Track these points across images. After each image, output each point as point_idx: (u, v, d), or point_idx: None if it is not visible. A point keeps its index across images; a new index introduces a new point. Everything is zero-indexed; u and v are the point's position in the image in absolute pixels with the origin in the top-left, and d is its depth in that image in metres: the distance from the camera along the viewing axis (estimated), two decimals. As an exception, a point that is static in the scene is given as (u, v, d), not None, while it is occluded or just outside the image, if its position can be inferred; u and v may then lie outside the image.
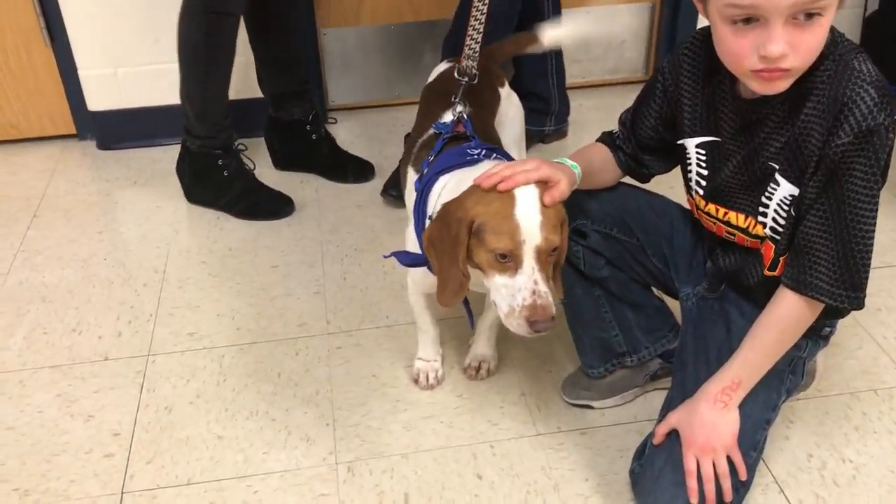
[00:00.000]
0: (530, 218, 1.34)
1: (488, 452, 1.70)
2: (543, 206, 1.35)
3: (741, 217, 1.45)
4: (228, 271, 2.26)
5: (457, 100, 1.72)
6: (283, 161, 2.73)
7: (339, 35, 2.93)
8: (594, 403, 1.78)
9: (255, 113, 2.72)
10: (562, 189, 1.40)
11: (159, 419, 1.80)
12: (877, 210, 1.28)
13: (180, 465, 1.69)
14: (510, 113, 1.91)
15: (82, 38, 2.70)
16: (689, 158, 1.49)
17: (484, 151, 1.56)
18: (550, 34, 2.04)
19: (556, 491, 1.61)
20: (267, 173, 2.67)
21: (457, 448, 1.71)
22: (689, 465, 1.44)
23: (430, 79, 1.99)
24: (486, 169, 1.42)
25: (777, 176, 1.35)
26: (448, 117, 1.69)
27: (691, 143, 1.48)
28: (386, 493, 1.61)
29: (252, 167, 2.59)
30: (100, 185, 2.70)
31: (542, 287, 1.34)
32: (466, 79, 1.79)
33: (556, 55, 2.73)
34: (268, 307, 2.12)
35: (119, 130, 2.85)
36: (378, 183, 2.62)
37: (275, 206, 2.50)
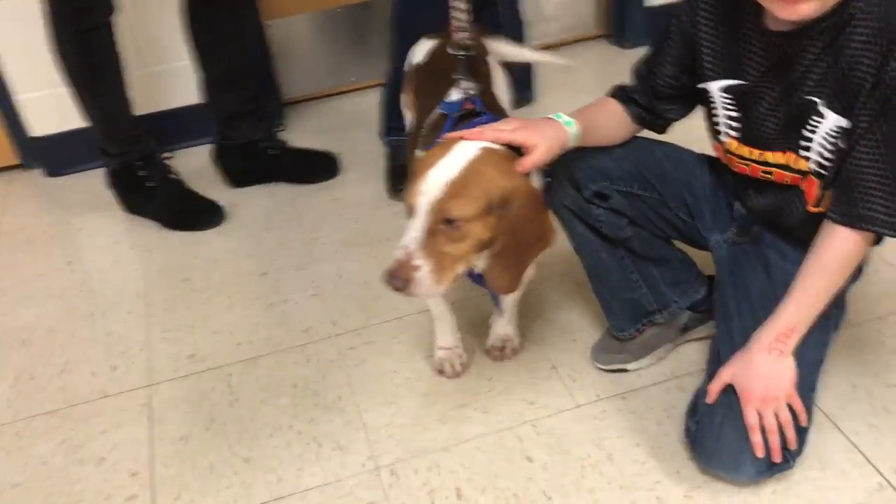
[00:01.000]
0: (439, 175, 1.24)
1: (532, 432, 1.63)
2: (471, 172, 1.24)
3: (779, 154, 1.40)
4: (215, 285, 2.14)
5: (461, 76, 1.63)
6: (240, 181, 2.53)
7: (286, 25, 2.80)
8: (628, 366, 1.73)
9: (187, 121, 2.60)
10: (534, 158, 1.33)
11: (177, 451, 1.69)
12: None
13: (210, 495, 1.58)
14: (499, 80, 1.83)
15: (14, 61, 2.52)
16: (714, 102, 1.43)
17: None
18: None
19: (610, 461, 1.55)
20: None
21: (499, 433, 1.64)
22: (751, 419, 1.39)
23: (418, 59, 1.89)
24: None
25: (821, 108, 1.29)
26: (455, 96, 1.60)
27: (714, 87, 1.42)
28: (437, 491, 1.53)
29: (178, 176, 2.47)
30: (57, 215, 2.53)
31: (413, 247, 1.24)
32: (465, 52, 1.70)
33: (512, 20, 2.65)
34: (266, 317, 2.01)
35: (67, 154, 2.67)
36: (351, 175, 2.51)
37: (204, 216, 2.38)
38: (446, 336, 1.78)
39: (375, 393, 1.76)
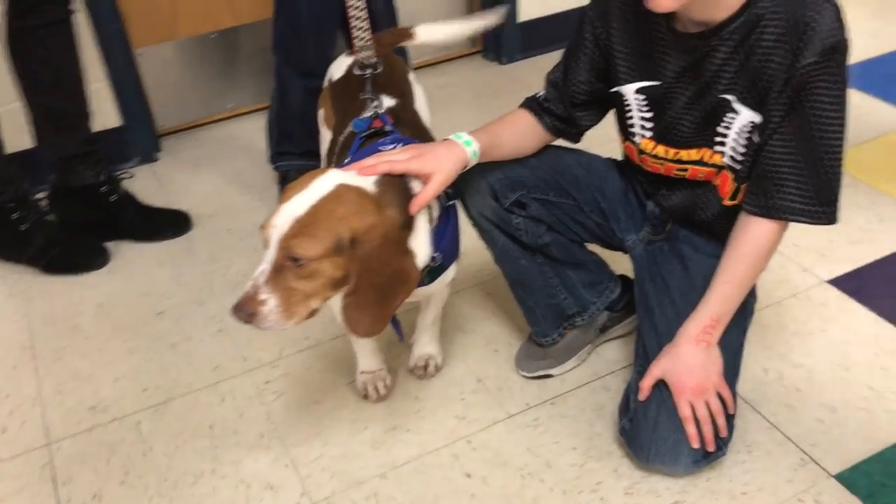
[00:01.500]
0: (290, 210, 1.22)
1: (467, 448, 1.61)
2: (320, 210, 1.22)
3: (693, 152, 1.45)
4: (109, 330, 2.00)
5: (368, 95, 1.61)
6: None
7: (157, 53, 2.68)
8: (553, 371, 1.74)
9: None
10: (430, 189, 1.32)
11: (90, 511, 1.56)
12: (845, 124, 1.31)
13: (134, 555, 1.47)
14: (420, 100, 1.81)
15: None
16: (629, 104, 1.47)
17: (398, 145, 1.46)
18: (426, 31, 1.95)
19: (549, 468, 1.56)
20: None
21: (434, 453, 1.61)
22: (685, 411, 1.43)
23: (335, 75, 1.84)
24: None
25: (735, 105, 1.35)
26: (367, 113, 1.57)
27: (629, 90, 1.46)
28: (380, 520, 1.49)
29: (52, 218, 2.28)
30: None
31: (261, 281, 1.22)
32: (370, 70, 1.67)
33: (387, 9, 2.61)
34: (171, 358, 1.90)
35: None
36: (242, 202, 2.43)
37: (86, 258, 2.22)
38: (368, 359, 1.74)
39: (300, 426, 1.70)
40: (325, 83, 1.89)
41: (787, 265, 1.99)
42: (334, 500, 1.53)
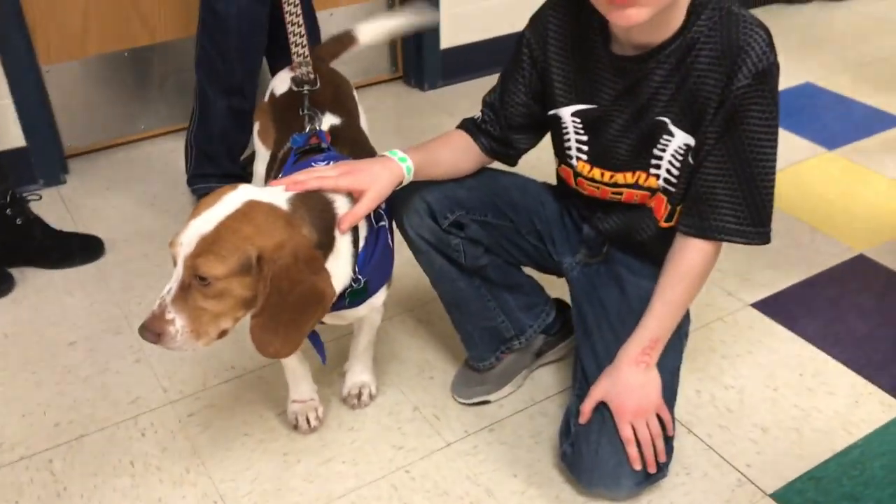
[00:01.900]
0: (196, 228, 1.19)
1: (406, 478, 1.57)
2: (226, 228, 1.18)
3: (629, 175, 1.46)
4: (15, 361, 1.86)
5: (306, 112, 1.57)
6: None
7: (65, 70, 2.54)
8: (490, 397, 1.72)
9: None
10: (363, 206, 1.31)
11: (-3, 560, 1.44)
12: (777, 145, 1.35)
13: None
14: (362, 117, 1.77)
15: None
16: (566, 127, 1.47)
17: (329, 163, 1.42)
18: (366, 31, 1.92)
19: (490, 496, 1.52)
20: None
21: (372, 484, 1.55)
22: (626, 433, 1.43)
23: (278, 90, 1.77)
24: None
25: (671, 127, 1.37)
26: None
27: (566, 112, 1.46)
28: (318, 557, 1.42)
29: None
30: None
31: (168, 300, 1.20)
32: (307, 87, 1.63)
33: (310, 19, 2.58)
34: (84, 391, 1.78)
35: None
36: (158, 226, 2.32)
37: None
38: (299, 388, 1.67)
39: (228, 460, 1.61)
40: (266, 97, 1.83)
41: (712, 289, 2.03)
42: (268, 538, 1.46)
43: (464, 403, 1.72)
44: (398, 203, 1.51)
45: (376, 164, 1.38)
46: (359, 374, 1.72)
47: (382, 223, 1.45)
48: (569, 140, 1.49)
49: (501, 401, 1.73)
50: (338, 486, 1.55)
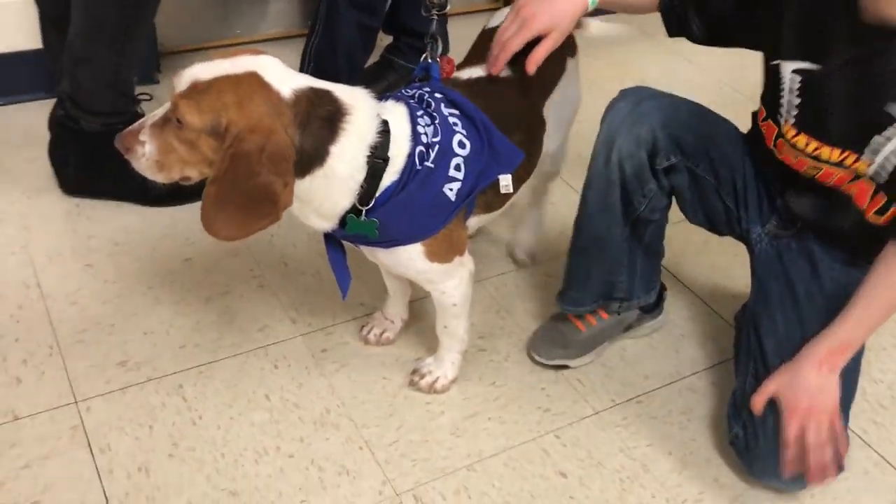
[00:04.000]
0: (198, 72, 1.17)
1: (557, 444, 1.50)
2: (215, 87, 1.15)
3: (837, 152, 1.34)
4: (129, 274, 1.76)
5: (427, 40, 1.45)
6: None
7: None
8: (572, 363, 1.65)
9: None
10: (547, 44, 1.37)
11: (138, 487, 1.36)
12: None
13: (197, 541, 1.29)
14: (569, 91, 1.61)
15: None
16: (783, 83, 1.34)
17: (425, 95, 1.33)
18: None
19: (647, 472, 1.46)
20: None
21: (523, 447, 1.49)
22: (790, 433, 1.33)
23: (491, 23, 1.61)
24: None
25: None
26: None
27: (787, 68, 1.33)
28: (476, 519, 1.36)
29: None
30: None
31: (147, 124, 1.21)
32: (436, 10, 1.50)
33: None
34: (207, 313, 1.69)
35: None
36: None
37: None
38: (387, 303, 1.65)
39: (369, 404, 1.54)
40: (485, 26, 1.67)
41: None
42: (420, 493, 1.39)
43: (542, 363, 1.65)
44: (619, 117, 1.42)
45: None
46: (436, 355, 1.59)
47: (429, 165, 1.28)
48: (783, 97, 1.36)
49: (646, 371, 1.66)
50: (487, 445, 1.48)
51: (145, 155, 1.21)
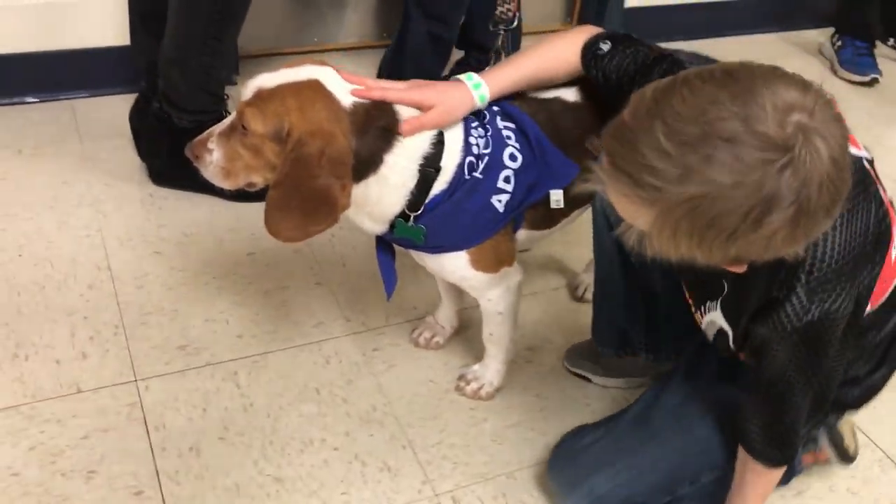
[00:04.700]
0: (262, 81, 1.22)
1: (598, 459, 1.51)
2: (279, 94, 1.20)
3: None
4: (194, 263, 1.83)
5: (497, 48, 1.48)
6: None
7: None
8: (594, 378, 1.65)
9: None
10: (424, 119, 1.25)
11: (188, 465, 1.41)
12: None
13: (240, 522, 1.33)
14: None
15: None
16: None
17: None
18: None
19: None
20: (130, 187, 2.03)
21: (563, 458, 1.50)
22: None
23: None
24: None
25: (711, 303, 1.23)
26: None
27: None
28: (512, 525, 1.38)
29: None
30: (-31, 157, 2.08)
31: (216, 132, 1.27)
32: (503, 26, 1.52)
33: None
34: (264, 306, 1.74)
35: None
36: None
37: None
38: (439, 307, 1.68)
39: (415, 405, 1.57)
40: None
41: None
42: (458, 496, 1.41)
43: (567, 369, 1.66)
44: None
45: (449, 85, 1.31)
46: (482, 363, 1.60)
47: (477, 175, 1.30)
48: None
49: (693, 395, 1.65)
50: (528, 454, 1.50)
51: (213, 162, 1.28)
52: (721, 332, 1.22)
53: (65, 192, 1.98)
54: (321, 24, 2.66)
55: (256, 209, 1.95)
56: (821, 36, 3.16)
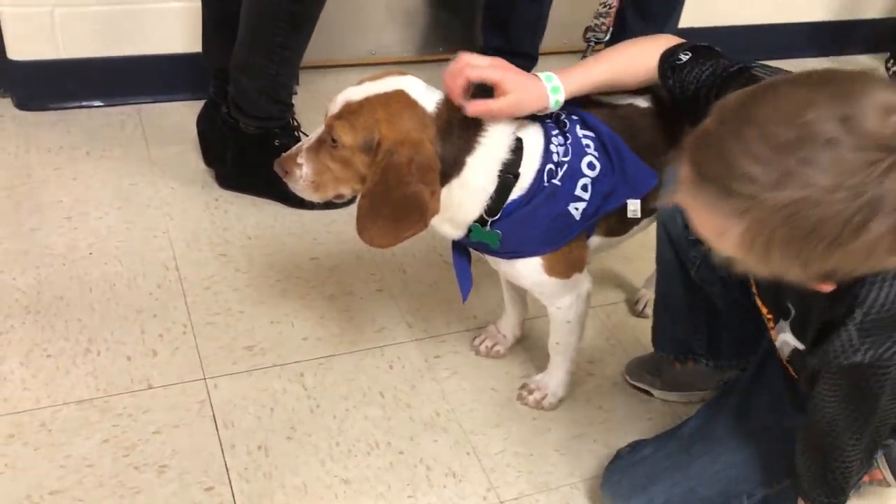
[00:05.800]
0: (349, 94, 1.25)
1: (661, 473, 1.51)
2: (367, 105, 1.22)
3: (765, 308, 1.29)
4: (259, 265, 1.86)
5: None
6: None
7: None
8: (655, 392, 1.65)
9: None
10: (493, 105, 1.24)
11: (257, 463, 1.43)
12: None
13: (309, 521, 1.35)
14: None
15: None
16: None
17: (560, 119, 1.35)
18: None
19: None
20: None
21: (627, 471, 1.50)
22: None
23: None
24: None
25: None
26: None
27: None
28: (577, 535, 1.38)
29: None
30: (39, 157, 2.13)
31: (304, 147, 1.30)
32: (594, 39, 1.54)
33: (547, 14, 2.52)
34: (328, 309, 1.77)
35: (50, 87, 2.27)
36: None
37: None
38: (502, 316, 1.70)
39: (478, 412, 1.58)
40: None
41: None
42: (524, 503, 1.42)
43: (627, 381, 1.66)
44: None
45: (531, 79, 1.28)
46: (546, 372, 1.61)
47: (556, 182, 1.31)
48: None
49: (756, 413, 1.65)
50: (589, 465, 1.50)
51: (303, 177, 1.30)
52: (797, 352, 1.22)
53: (133, 194, 2.02)
54: (379, 37, 2.70)
55: (318, 215, 2.01)
56: (873, 61, 3.16)
